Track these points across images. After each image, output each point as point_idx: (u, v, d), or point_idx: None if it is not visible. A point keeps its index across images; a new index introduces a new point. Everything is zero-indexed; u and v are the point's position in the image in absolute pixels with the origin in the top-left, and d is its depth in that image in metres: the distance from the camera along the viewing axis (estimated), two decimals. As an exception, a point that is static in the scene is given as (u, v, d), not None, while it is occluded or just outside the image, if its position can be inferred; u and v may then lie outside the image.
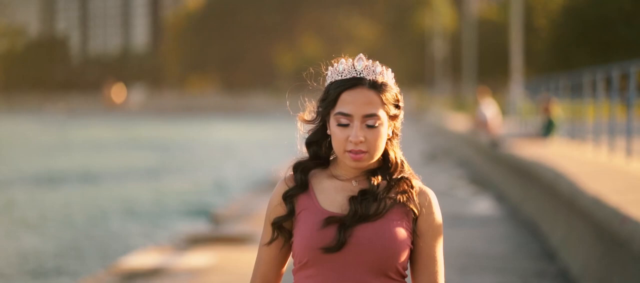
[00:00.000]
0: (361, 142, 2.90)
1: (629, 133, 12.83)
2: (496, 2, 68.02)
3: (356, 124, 2.90)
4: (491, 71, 58.27)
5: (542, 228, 11.86)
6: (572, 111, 20.11)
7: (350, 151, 2.91)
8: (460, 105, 51.80)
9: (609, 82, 14.85)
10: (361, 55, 2.98)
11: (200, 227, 15.21)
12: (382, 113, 2.94)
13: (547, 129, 19.46)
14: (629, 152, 12.82)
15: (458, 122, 34.09)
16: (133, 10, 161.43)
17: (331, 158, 3.05)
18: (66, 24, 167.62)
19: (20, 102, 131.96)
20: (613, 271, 7.63)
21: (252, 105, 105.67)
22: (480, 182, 19.14)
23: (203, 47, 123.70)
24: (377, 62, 2.97)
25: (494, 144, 19.44)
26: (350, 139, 2.90)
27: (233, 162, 33.61)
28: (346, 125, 2.91)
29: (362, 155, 2.91)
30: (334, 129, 2.94)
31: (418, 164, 23.74)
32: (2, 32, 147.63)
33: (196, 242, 12.77)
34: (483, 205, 15.38)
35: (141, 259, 11.63)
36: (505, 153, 17.35)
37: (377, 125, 2.92)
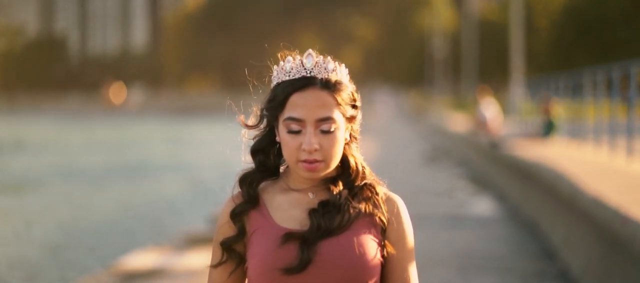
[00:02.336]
0: (316, 150, 2.57)
1: (629, 133, 12.81)
2: (497, 2, 68.01)
3: (309, 129, 2.57)
4: (492, 72, 58.29)
5: (542, 228, 11.84)
6: (573, 111, 20.10)
7: (303, 161, 2.58)
8: (460, 104, 51.78)
9: (609, 82, 14.84)
10: (310, 51, 2.65)
11: (199, 227, 15.19)
12: (337, 115, 2.59)
13: (547, 129, 19.47)
14: (629, 152, 12.80)
15: (458, 122, 34.07)
16: (132, 11, 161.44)
17: (282, 168, 2.71)
18: (65, 23, 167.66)
19: (18, 102, 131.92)
20: (614, 272, 7.60)
21: (252, 105, 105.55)
22: (481, 183, 19.11)
23: (203, 47, 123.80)
24: (329, 57, 2.65)
25: (494, 145, 19.42)
26: (303, 147, 2.57)
27: (232, 162, 33.55)
28: (298, 132, 2.58)
29: (317, 164, 2.58)
30: (284, 136, 2.60)
31: (418, 165, 23.71)
32: (0, 32, 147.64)
33: (196, 242, 12.75)
34: (483, 206, 15.36)
35: (141, 259, 11.61)
36: (506, 154, 17.33)
37: (332, 129, 2.58)
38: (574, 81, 19.63)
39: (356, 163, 2.67)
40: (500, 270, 9.62)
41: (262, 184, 2.69)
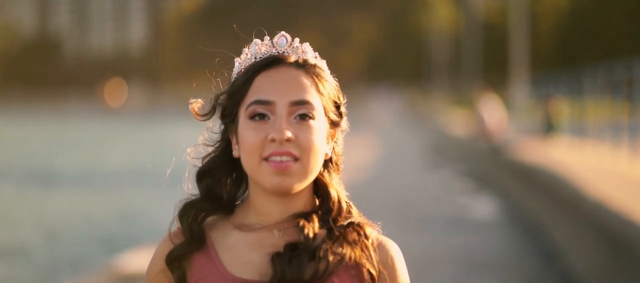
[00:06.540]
0: (288, 140, 1.89)
1: (632, 132, 12.75)
2: (500, 1, 67.98)
3: (280, 113, 1.91)
4: (494, 73, 58.34)
5: (545, 231, 11.78)
6: (576, 109, 20.06)
7: (269, 157, 1.90)
8: (460, 101, 51.73)
9: (612, 81, 14.79)
10: (284, 33, 2.02)
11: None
12: (317, 102, 1.94)
13: (548, 127, 19.46)
14: (632, 151, 12.73)
15: (459, 123, 34.00)
16: (130, 9, 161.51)
17: (237, 203, 2.03)
18: (62, 21, 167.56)
19: (14, 102, 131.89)
20: (617, 275, 7.53)
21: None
22: (482, 186, 19.03)
23: (202, 46, 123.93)
24: (307, 43, 2.03)
25: (494, 150, 19.37)
26: (270, 136, 1.89)
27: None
28: (264, 120, 1.92)
29: (289, 163, 1.90)
30: (244, 131, 1.93)
31: (419, 170, 23.61)
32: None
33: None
34: (485, 209, 15.28)
35: (139, 259, 11.55)
36: (507, 158, 17.28)
37: (311, 116, 1.92)
38: (577, 79, 19.60)
39: (338, 195, 2.00)
40: (503, 273, 9.57)
41: (210, 218, 2.02)
